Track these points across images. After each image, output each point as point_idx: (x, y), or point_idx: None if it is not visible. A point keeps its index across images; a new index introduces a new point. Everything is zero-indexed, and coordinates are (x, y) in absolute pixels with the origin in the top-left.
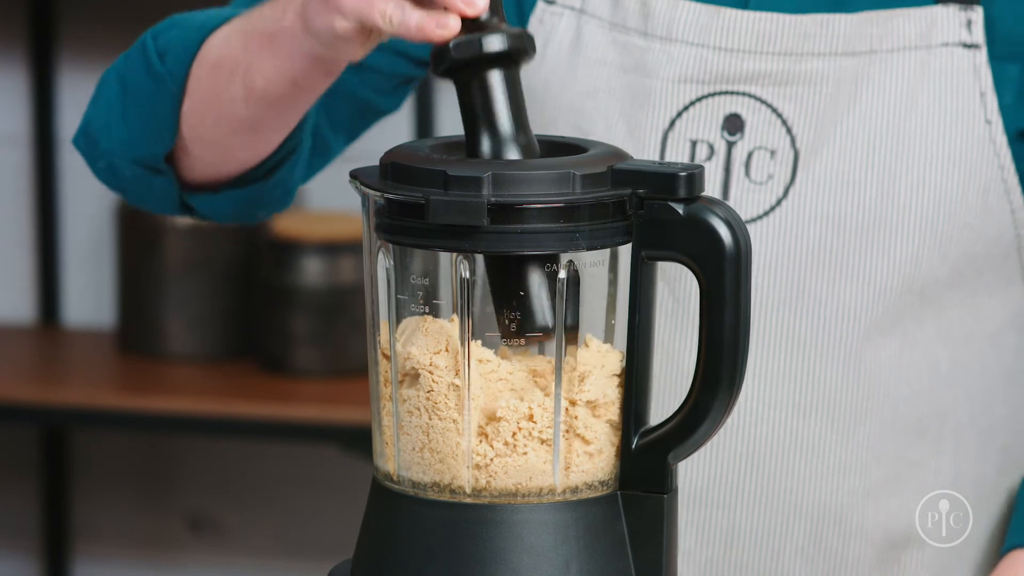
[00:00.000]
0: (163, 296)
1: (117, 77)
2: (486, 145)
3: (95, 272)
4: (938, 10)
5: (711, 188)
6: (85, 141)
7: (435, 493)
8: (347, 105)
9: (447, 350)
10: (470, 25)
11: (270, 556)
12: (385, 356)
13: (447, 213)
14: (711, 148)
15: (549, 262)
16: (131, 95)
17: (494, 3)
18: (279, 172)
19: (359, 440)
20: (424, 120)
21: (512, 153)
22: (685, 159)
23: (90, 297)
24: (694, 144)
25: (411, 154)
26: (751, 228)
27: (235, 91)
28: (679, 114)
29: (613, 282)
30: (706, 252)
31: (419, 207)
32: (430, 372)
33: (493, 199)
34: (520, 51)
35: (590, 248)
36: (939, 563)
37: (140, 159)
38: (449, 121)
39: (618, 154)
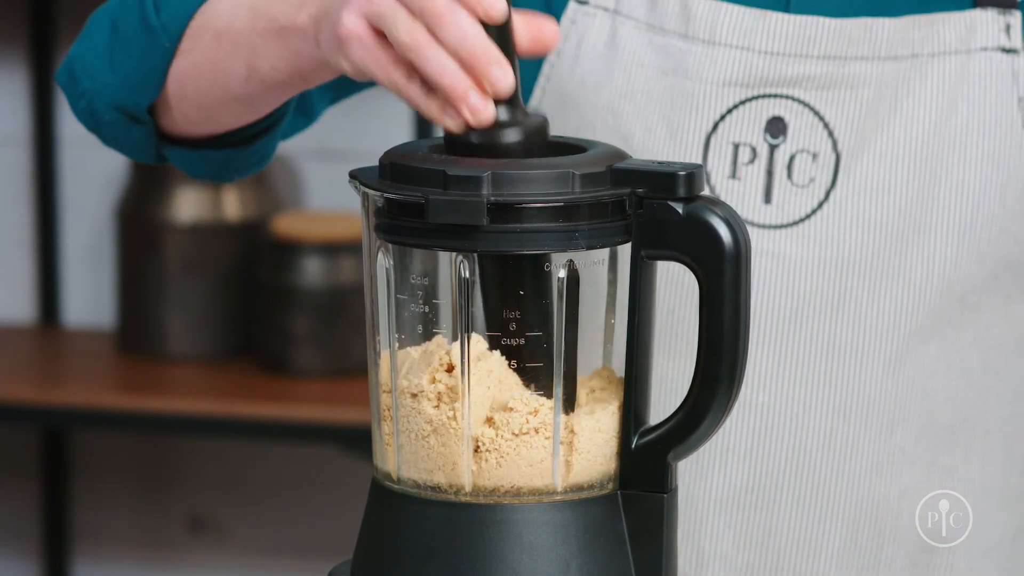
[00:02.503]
0: (163, 296)
1: (109, 20)
2: None
3: (95, 272)
4: (977, 14)
5: (754, 190)
6: (67, 78)
7: (435, 493)
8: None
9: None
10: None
11: (270, 556)
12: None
13: (447, 213)
14: (754, 151)
15: (547, 261)
16: (120, 41)
17: (514, 96)
18: (260, 140)
19: (359, 440)
20: (424, 120)
21: None
22: (727, 162)
23: (90, 297)
24: (736, 147)
25: (410, 154)
26: (793, 231)
27: (237, 68)
28: (722, 117)
29: (613, 282)
30: (706, 252)
31: (419, 207)
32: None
33: (493, 199)
34: (530, 148)
35: (590, 248)
36: (967, 567)
37: (121, 106)
38: None
39: (618, 154)
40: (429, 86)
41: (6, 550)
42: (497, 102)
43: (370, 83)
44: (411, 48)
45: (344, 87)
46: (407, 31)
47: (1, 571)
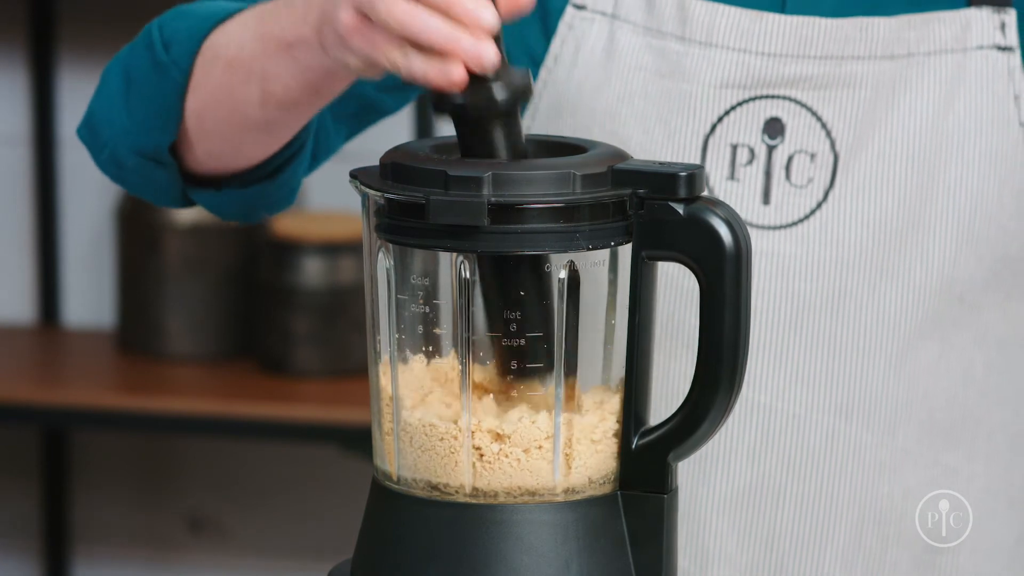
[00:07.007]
0: (163, 296)
1: (121, 68)
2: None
3: (95, 272)
4: (972, 13)
5: (752, 191)
6: (88, 132)
7: (435, 493)
8: (350, 101)
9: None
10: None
11: (270, 556)
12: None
13: (447, 213)
14: (752, 152)
15: (548, 262)
16: (134, 85)
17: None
18: (284, 172)
19: (359, 440)
20: (424, 120)
21: None
22: (726, 163)
23: (90, 297)
24: (735, 148)
25: (411, 154)
26: (793, 232)
27: (251, 94)
28: (720, 119)
29: (613, 282)
30: (706, 252)
31: (419, 207)
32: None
33: (493, 199)
34: (521, 100)
35: (590, 248)
36: (973, 568)
37: (142, 149)
38: (449, 121)
39: (618, 154)
40: (426, 52)
41: (6, 550)
42: None
43: (387, 111)
44: (395, 20)
45: (360, 117)
46: (386, 7)
47: (1, 571)
